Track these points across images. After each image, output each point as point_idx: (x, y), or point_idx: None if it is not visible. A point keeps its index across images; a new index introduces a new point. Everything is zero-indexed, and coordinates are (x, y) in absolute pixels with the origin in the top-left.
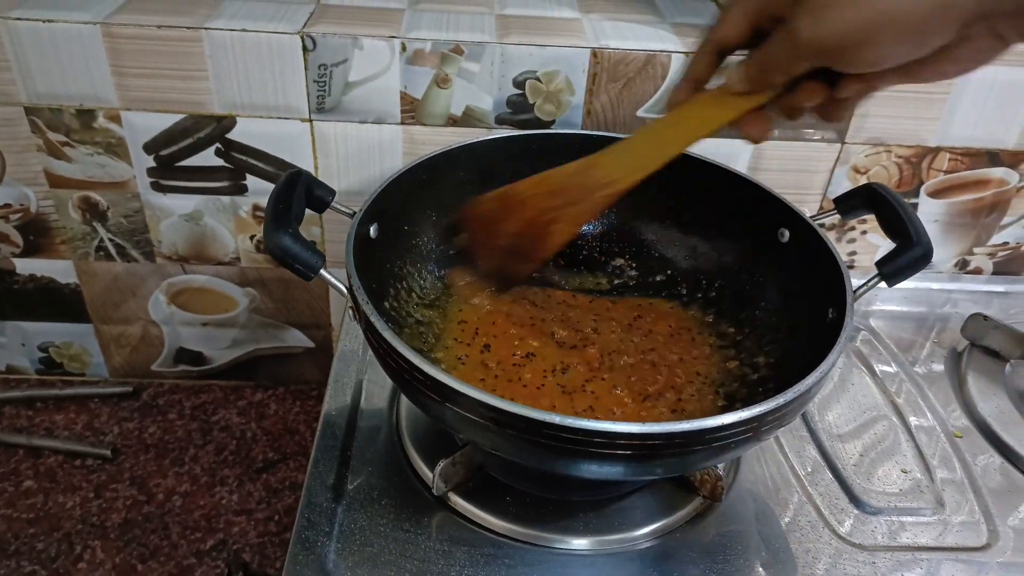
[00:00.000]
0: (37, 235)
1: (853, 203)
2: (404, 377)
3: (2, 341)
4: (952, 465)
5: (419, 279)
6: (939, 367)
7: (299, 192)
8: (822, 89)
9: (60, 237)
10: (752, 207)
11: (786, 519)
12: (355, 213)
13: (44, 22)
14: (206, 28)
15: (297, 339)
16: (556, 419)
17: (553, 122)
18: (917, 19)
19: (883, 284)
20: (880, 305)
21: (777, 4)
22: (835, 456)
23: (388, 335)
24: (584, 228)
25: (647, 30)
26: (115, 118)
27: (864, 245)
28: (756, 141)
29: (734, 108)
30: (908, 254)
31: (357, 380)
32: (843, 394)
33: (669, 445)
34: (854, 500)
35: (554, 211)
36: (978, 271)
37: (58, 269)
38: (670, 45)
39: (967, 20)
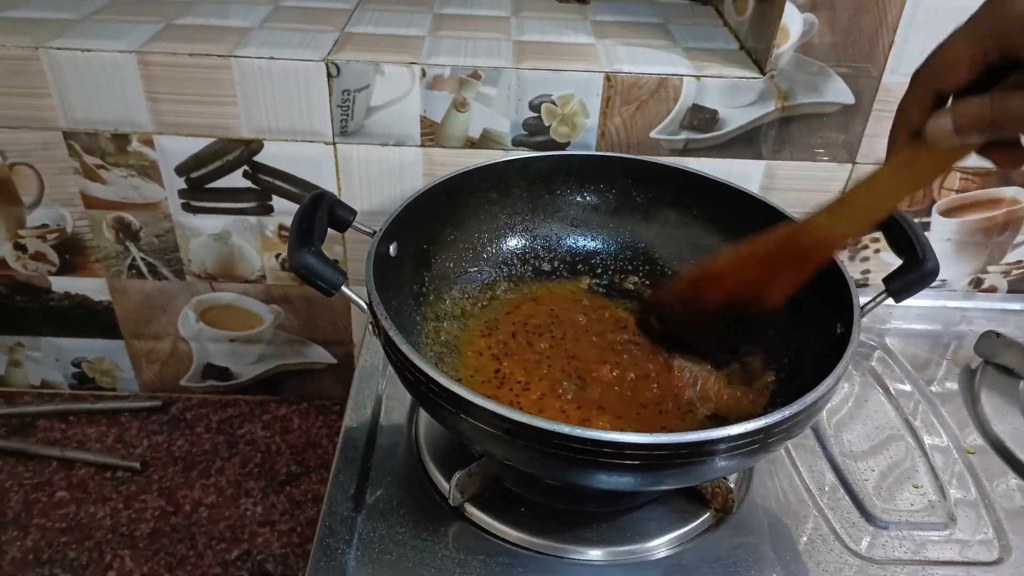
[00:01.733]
0: (72, 254)
1: None
2: (421, 389)
3: (37, 356)
4: (965, 482)
5: (439, 296)
6: (953, 385)
7: (322, 212)
8: None
9: (94, 256)
10: (763, 226)
11: (798, 533)
12: (375, 232)
13: (82, 51)
14: (235, 56)
15: (320, 355)
16: (565, 429)
17: (568, 143)
18: None
19: (891, 300)
20: (895, 323)
21: (1020, 42)
22: (848, 472)
23: (406, 348)
24: (597, 246)
25: (660, 54)
26: (148, 142)
27: (877, 263)
28: (1010, 170)
29: (959, 152)
30: (914, 271)
31: (377, 395)
32: (857, 412)
33: (676, 456)
34: (866, 515)
35: (764, 281)
36: (992, 289)
37: (92, 287)
38: (682, 69)
39: None
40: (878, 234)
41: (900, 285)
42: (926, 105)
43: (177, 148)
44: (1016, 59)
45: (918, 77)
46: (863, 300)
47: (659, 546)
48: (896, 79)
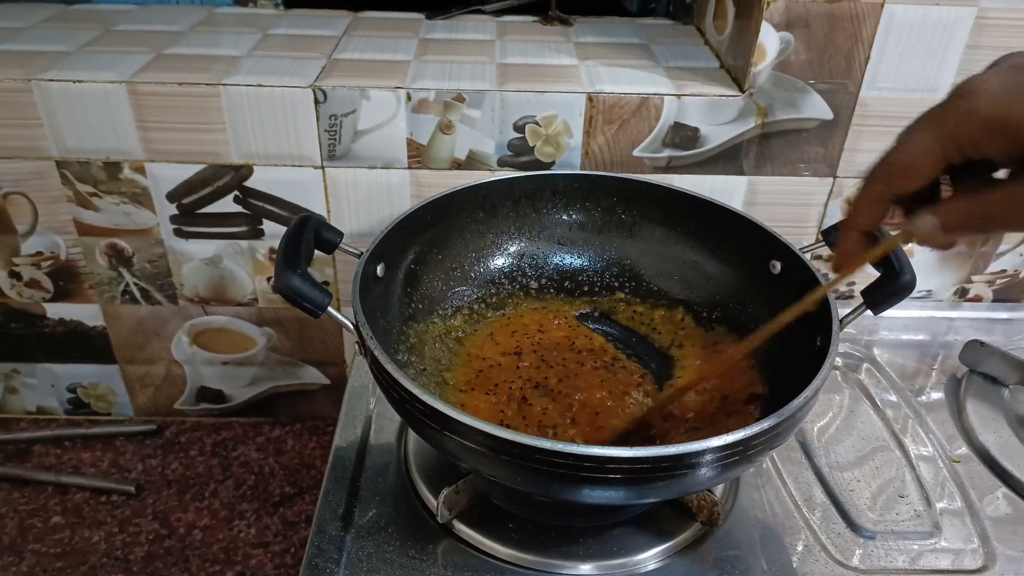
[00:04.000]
0: (66, 281)
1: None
2: (406, 408)
3: (33, 383)
4: (951, 491)
5: (428, 316)
6: (939, 395)
7: (308, 235)
8: None
9: (88, 282)
10: (745, 240)
11: (785, 545)
12: (362, 253)
13: (74, 82)
14: (224, 84)
15: (313, 376)
16: (546, 444)
17: (553, 163)
18: None
19: (869, 313)
20: (883, 334)
21: (990, 146)
22: (835, 484)
23: (391, 367)
24: (583, 263)
25: (641, 74)
26: (140, 169)
27: (862, 274)
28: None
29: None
30: (891, 283)
31: (367, 414)
32: (844, 424)
33: (658, 469)
34: (853, 526)
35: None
36: (978, 299)
37: (86, 313)
38: (662, 88)
39: None
40: None
41: (878, 298)
42: (883, 206)
43: (168, 175)
44: (978, 159)
45: (875, 177)
46: (845, 311)
47: (647, 559)
48: (873, 94)
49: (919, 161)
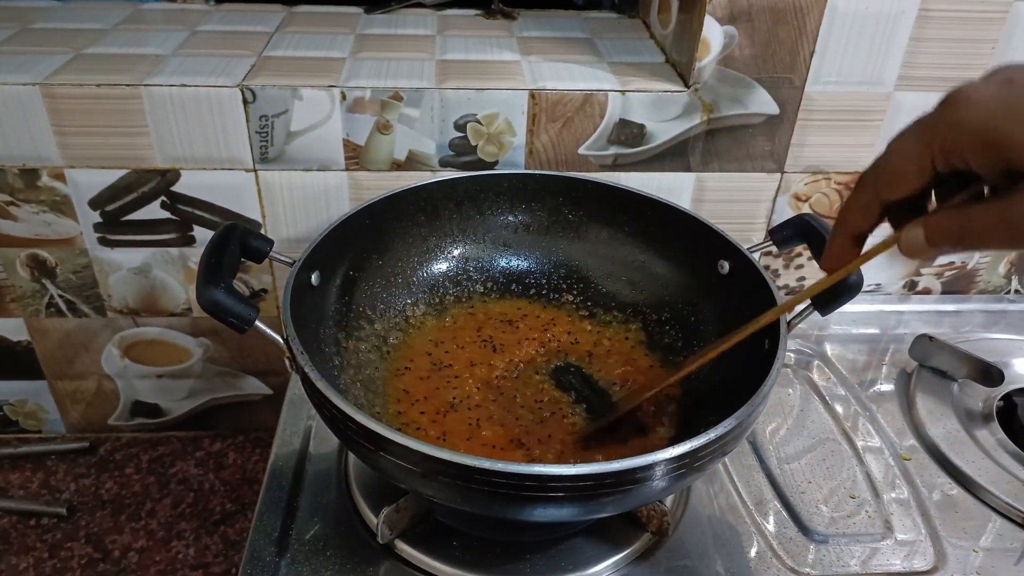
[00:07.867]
0: None
1: (787, 234)
2: (340, 427)
3: None
4: (900, 488)
5: (367, 325)
6: (889, 388)
7: (233, 245)
8: None
9: (10, 296)
10: (693, 240)
11: (737, 552)
12: (294, 262)
13: None
14: (145, 85)
15: (254, 387)
16: (485, 464)
17: (496, 163)
18: None
19: (817, 314)
20: (833, 329)
21: (974, 159)
22: (785, 486)
23: (322, 385)
24: (530, 266)
25: (584, 70)
26: (59, 176)
27: (812, 270)
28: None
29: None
30: (838, 284)
31: (306, 427)
32: (795, 424)
33: (602, 486)
34: (804, 530)
35: None
36: (927, 291)
37: (9, 327)
38: (606, 84)
39: None
40: (802, 245)
41: (825, 298)
42: (873, 212)
43: (90, 181)
44: (966, 171)
45: (865, 183)
46: (793, 313)
47: (596, 573)
48: (819, 88)
49: (906, 168)
